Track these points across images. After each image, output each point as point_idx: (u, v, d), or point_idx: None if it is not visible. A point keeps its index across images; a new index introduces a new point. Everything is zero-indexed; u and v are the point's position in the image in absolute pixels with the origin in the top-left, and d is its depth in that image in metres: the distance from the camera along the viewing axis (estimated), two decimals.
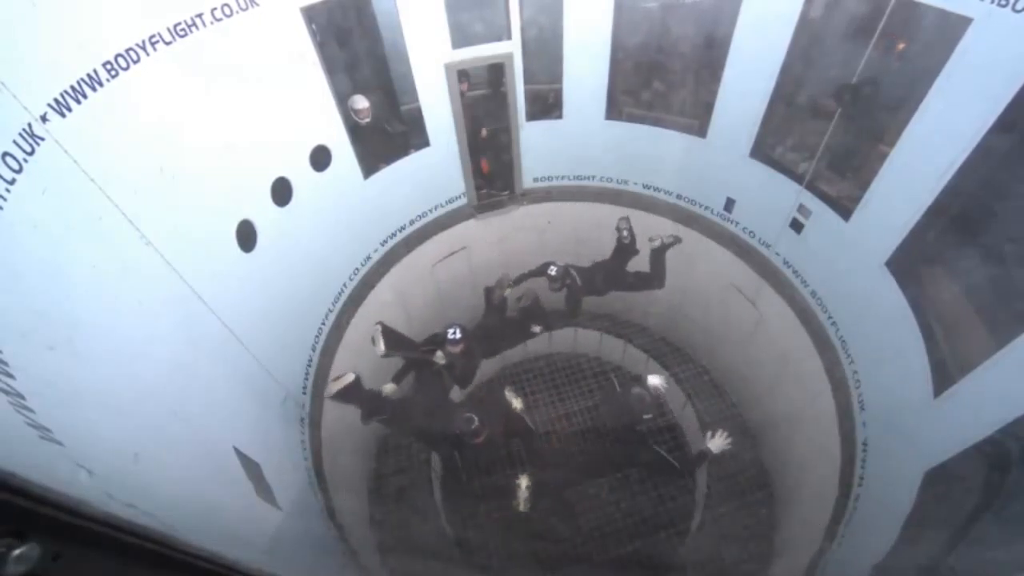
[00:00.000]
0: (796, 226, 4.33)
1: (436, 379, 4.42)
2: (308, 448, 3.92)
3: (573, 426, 5.99)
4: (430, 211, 5.34)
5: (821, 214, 4.05)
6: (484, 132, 5.26)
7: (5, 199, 1.74)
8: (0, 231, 1.71)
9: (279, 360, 3.66)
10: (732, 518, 5.14)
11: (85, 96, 2.15)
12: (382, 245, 5.03)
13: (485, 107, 5.21)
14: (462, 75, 4.61)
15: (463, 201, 5.51)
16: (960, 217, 3.22)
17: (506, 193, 5.63)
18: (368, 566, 3.85)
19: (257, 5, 3.12)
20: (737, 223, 4.97)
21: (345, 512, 4.04)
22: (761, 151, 4.38)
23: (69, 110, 2.07)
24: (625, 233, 5.04)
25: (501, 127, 5.17)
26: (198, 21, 2.76)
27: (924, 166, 3.13)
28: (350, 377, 3.92)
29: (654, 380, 4.02)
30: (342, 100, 4.11)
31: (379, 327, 4.11)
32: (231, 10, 2.96)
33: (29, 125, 1.89)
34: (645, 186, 5.47)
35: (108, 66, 2.26)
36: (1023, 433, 2.56)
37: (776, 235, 4.60)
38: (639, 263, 5.25)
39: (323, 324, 4.36)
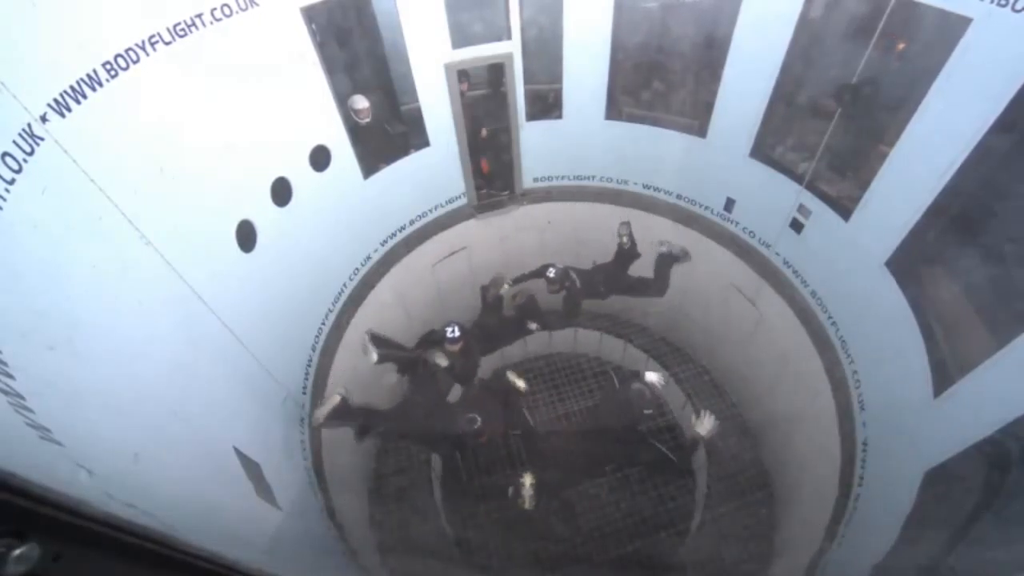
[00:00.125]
0: (796, 226, 4.33)
1: (431, 380, 4.40)
2: (308, 448, 3.92)
3: (573, 426, 5.99)
4: (430, 211, 5.34)
5: (821, 214, 4.05)
6: (484, 132, 5.26)
7: (5, 199, 1.74)
8: (0, 231, 1.71)
9: (279, 360, 3.66)
10: (732, 518, 5.14)
11: (85, 96, 2.15)
12: (382, 245, 5.03)
13: (485, 107, 5.21)
14: (462, 75, 4.61)
15: (463, 201, 5.51)
16: (960, 217, 3.22)
17: (506, 193, 5.63)
18: (368, 566, 3.85)
19: (257, 5, 3.12)
20: (737, 223, 4.97)
21: (345, 512, 4.04)
22: (761, 151, 4.38)
23: (69, 110, 2.07)
24: (625, 239, 5.04)
25: (501, 127, 5.17)
26: (198, 21, 2.76)
27: (924, 166, 3.13)
28: (336, 398, 3.74)
29: (652, 376, 4.02)
30: (342, 100, 4.11)
31: (367, 335, 4.07)
32: (231, 10, 2.96)
33: (29, 125, 1.89)
34: (645, 186, 5.47)
35: (108, 66, 2.27)
36: (1023, 433, 2.56)
37: (776, 235, 4.60)
38: (641, 267, 5.25)
39: (323, 324, 4.36)
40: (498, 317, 5.32)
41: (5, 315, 1.64)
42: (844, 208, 3.85)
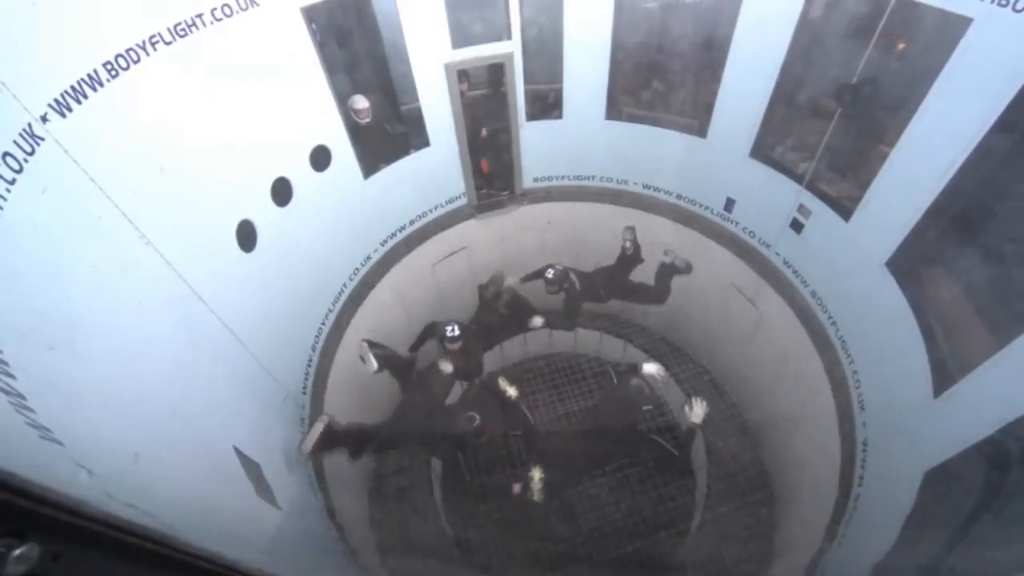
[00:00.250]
0: (796, 226, 4.33)
1: (424, 385, 4.39)
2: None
3: (573, 426, 5.99)
4: (430, 211, 5.34)
5: (821, 214, 4.05)
6: (484, 132, 5.26)
7: (5, 199, 1.74)
8: (0, 231, 1.71)
9: (279, 360, 3.66)
10: (732, 518, 5.14)
11: (85, 96, 2.15)
12: (382, 245, 5.03)
13: (485, 107, 5.21)
14: (462, 75, 4.61)
15: (463, 201, 5.51)
16: (960, 217, 3.22)
17: (506, 193, 5.63)
18: (368, 566, 3.85)
19: (257, 5, 3.12)
20: (737, 223, 4.97)
21: (345, 512, 4.04)
22: (761, 151, 4.38)
23: (69, 110, 2.07)
24: (628, 244, 5.04)
25: (501, 127, 5.17)
26: (198, 21, 2.76)
27: (924, 166, 3.13)
28: (320, 425, 3.63)
29: (650, 368, 4.01)
30: (342, 100, 4.11)
31: (365, 344, 4.05)
32: (231, 10, 2.96)
33: (29, 125, 1.89)
34: (645, 186, 5.47)
35: (108, 66, 2.27)
36: (1023, 433, 2.56)
37: (776, 235, 4.60)
38: (643, 273, 5.26)
39: (323, 324, 4.36)
40: (496, 315, 5.33)
41: (5, 315, 1.64)
42: (844, 208, 3.85)
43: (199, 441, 2.53)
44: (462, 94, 4.70)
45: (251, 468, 2.89)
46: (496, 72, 4.94)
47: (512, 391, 4.23)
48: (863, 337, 3.93)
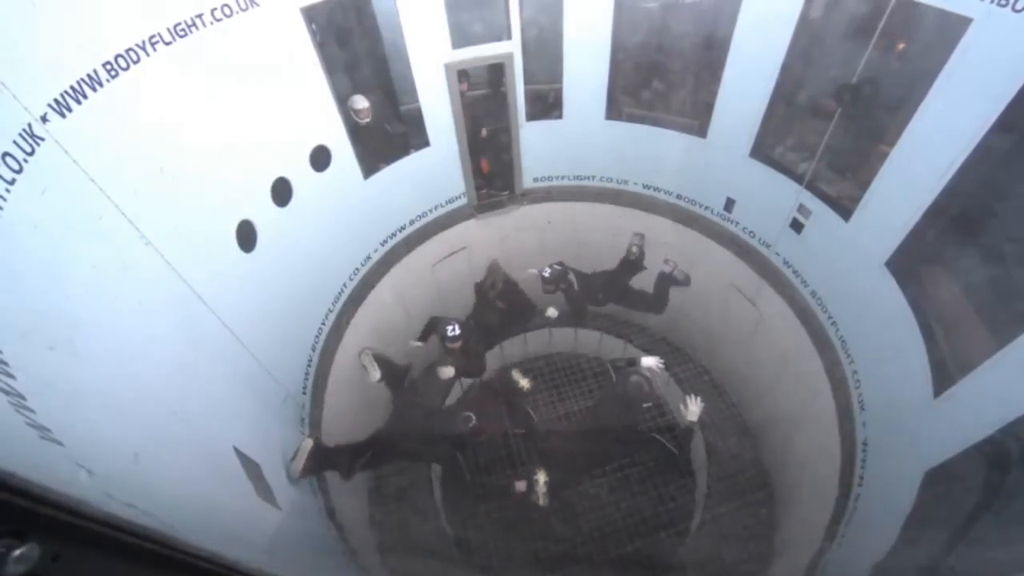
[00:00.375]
0: (796, 226, 4.33)
1: (416, 391, 4.38)
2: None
3: (573, 426, 5.99)
4: (430, 211, 5.34)
5: (821, 214, 4.05)
6: (484, 132, 5.26)
7: (5, 199, 1.74)
8: (0, 231, 1.71)
9: (279, 360, 3.65)
10: (732, 518, 5.13)
11: (85, 96, 2.15)
12: (382, 245, 5.03)
13: (485, 107, 5.21)
14: (462, 75, 4.61)
15: (463, 201, 5.51)
16: (960, 217, 3.22)
17: (506, 193, 5.63)
18: (368, 566, 3.85)
19: (257, 5, 3.12)
20: (737, 223, 4.97)
21: (345, 512, 4.04)
22: (761, 151, 4.38)
23: (69, 110, 2.07)
24: (636, 249, 5.04)
25: (501, 127, 5.17)
26: (198, 21, 2.76)
27: (924, 166, 3.13)
28: (308, 442, 3.55)
29: (649, 361, 4.01)
30: (342, 100, 4.11)
31: (368, 353, 4.02)
32: (231, 10, 2.96)
33: (29, 125, 1.89)
34: (645, 186, 5.47)
35: (108, 66, 2.27)
36: (1023, 433, 2.56)
37: (776, 235, 4.60)
38: (642, 279, 5.27)
39: (323, 324, 4.36)
40: (496, 313, 5.34)
41: (5, 315, 1.64)
42: (844, 208, 3.85)
43: (199, 441, 2.53)
44: (462, 94, 4.70)
45: (251, 468, 2.88)
46: (496, 72, 4.94)
47: (525, 383, 4.22)
48: (863, 337, 3.93)
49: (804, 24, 3.63)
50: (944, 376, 3.12)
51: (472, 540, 5.14)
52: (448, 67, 4.41)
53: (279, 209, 3.62)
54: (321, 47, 3.71)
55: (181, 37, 2.66)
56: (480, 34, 4.44)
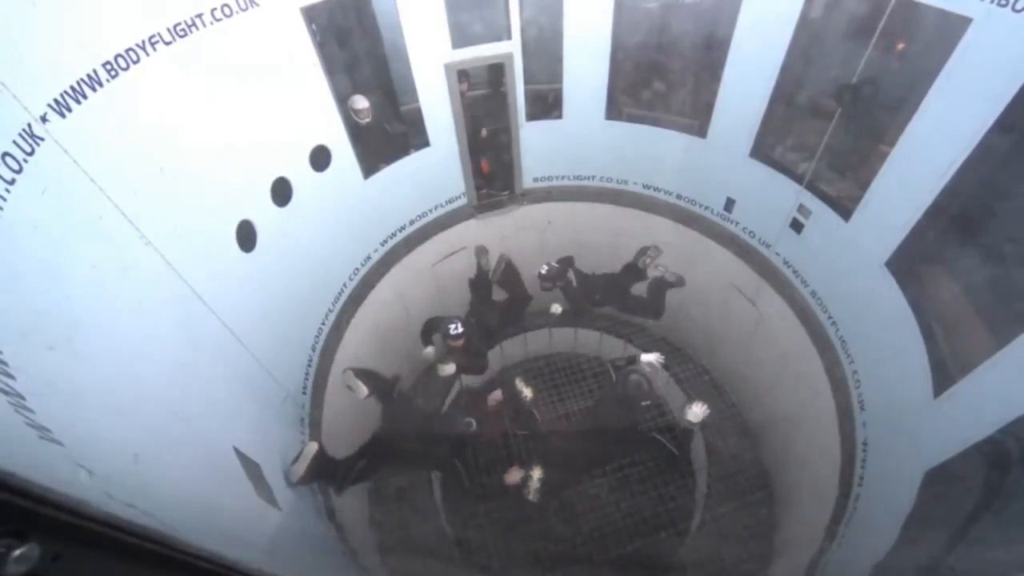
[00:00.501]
0: (796, 226, 4.33)
1: (406, 403, 4.36)
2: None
3: (574, 426, 5.99)
4: (430, 211, 5.34)
5: (821, 214, 4.05)
6: (484, 132, 5.26)
7: (5, 199, 1.74)
8: (0, 231, 1.71)
9: (279, 360, 3.65)
10: (732, 518, 5.13)
11: (85, 96, 2.15)
12: (382, 245, 5.03)
13: (485, 107, 5.21)
14: (462, 75, 4.61)
15: (463, 201, 5.51)
16: (960, 217, 3.22)
17: (506, 193, 5.63)
18: (368, 566, 3.85)
19: (257, 5, 3.12)
20: (737, 223, 4.97)
21: (345, 512, 4.04)
22: (761, 151, 4.38)
23: (69, 110, 2.07)
24: (647, 260, 5.06)
25: (501, 127, 5.17)
26: (198, 21, 2.76)
27: (924, 166, 3.13)
28: (313, 446, 3.49)
29: (648, 356, 4.02)
30: (342, 100, 4.11)
31: (350, 372, 4.00)
32: (231, 10, 2.96)
33: (29, 125, 1.89)
34: (645, 186, 5.47)
35: (108, 66, 2.26)
36: (1023, 433, 2.56)
37: (776, 235, 4.60)
38: (641, 286, 5.29)
39: (323, 324, 4.36)
40: (495, 310, 5.34)
41: (5, 315, 1.64)
42: (844, 208, 3.85)
43: (199, 441, 2.52)
44: (462, 94, 4.70)
45: (251, 468, 2.88)
46: (496, 72, 4.94)
47: (528, 392, 4.21)
48: (863, 337, 3.93)
49: (804, 24, 3.63)
50: (944, 376, 3.12)
51: (472, 540, 5.13)
52: (448, 67, 4.41)
53: (279, 209, 3.62)
54: (321, 47, 3.71)
55: (181, 37, 2.66)
56: (480, 34, 4.44)
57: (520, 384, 4.25)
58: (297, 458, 3.47)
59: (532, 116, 5.08)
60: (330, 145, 4.02)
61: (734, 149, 4.49)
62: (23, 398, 1.51)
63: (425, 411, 4.51)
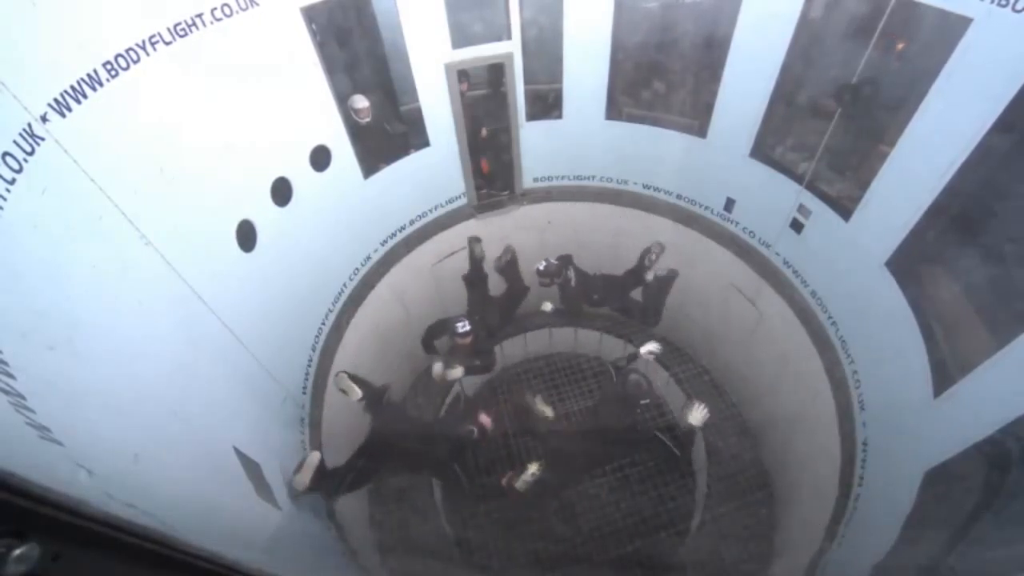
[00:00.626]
0: (796, 226, 4.33)
1: (396, 411, 4.34)
2: (308, 448, 3.92)
3: (574, 426, 5.99)
4: (430, 211, 5.34)
5: (821, 214, 4.05)
6: (484, 132, 5.26)
7: (5, 199, 1.74)
8: (0, 231, 1.71)
9: (279, 360, 3.65)
10: (732, 518, 5.13)
11: (85, 96, 2.15)
12: (382, 245, 5.03)
13: (485, 107, 5.21)
14: (462, 75, 4.61)
15: (463, 201, 5.51)
16: (960, 217, 3.22)
17: (506, 193, 5.63)
18: (368, 566, 3.85)
19: (257, 5, 3.12)
20: (737, 223, 4.97)
21: (345, 512, 4.04)
22: (761, 151, 4.38)
23: (69, 110, 2.07)
24: (654, 256, 5.08)
25: (501, 127, 5.17)
26: (198, 21, 2.76)
27: (924, 166, 3.13)
28: (316, 455, 3.48)
29: (648, 346, 4.08)
30: (342, 100, 4.11)
31: (344, 375, 4.01)
32: (231, 10, 2.96)
33: (29, 125, 1.89)
34: (645, 186, 5.47)
35: (108, 66, 2.26)
36: (1023, 433, 2.56)
37: (776, 235, 4.60)
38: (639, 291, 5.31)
39: (323, 324, 4.36)
40: (494, 308, 5.34)
41: (5, 315, 1.64)
42: (844, 208, 3.85)
43: (199, 441, 2.52)
44: (462, 94, 4.70)
45: (251, 468, 2.88)
46: (496, 72, 4.94)
47: (549, 412, 4.18)
48: (863, 337, 3.93)
49: (804, 24, 3.63)
50: (944, 376, 3.12)
51: (472, 540, 5.13)
52: (448, 67, 4.41)
53: (279, 209, 3.62)
54: (321, 47, 3.71)
55: (181, 37, 2.66)
56: (480, 34, 4.44)
57: (541, 404, 4.21)
58: (300, 468, 3.45)
59: (532, 116, 5.08)
60: (330, 145, 4.02)
61: (734, 149, 4.48)
62: (23, 398, 1.51)
63: (416, 419, 4.48)
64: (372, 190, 4.58)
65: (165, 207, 2.59)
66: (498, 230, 5.83)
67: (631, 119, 5.11)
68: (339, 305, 4.57)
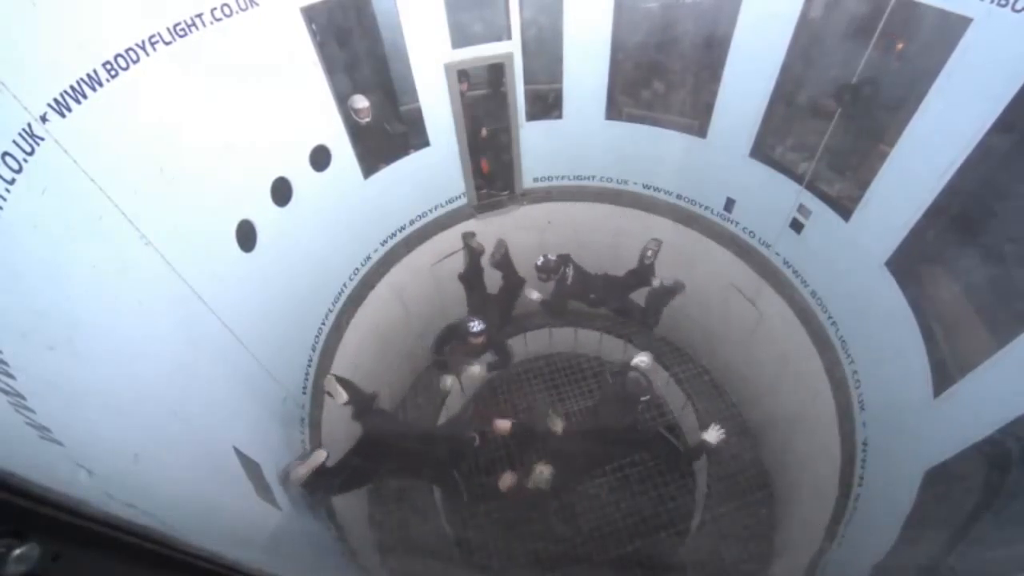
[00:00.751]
0: (796, 226, 4.33)
1: (388, 417, 4.34)
2: (308, 448, 3.92)
3: (574, 426, 5.99)
4: (430, 211, 5.34)
5: (821, 214, 4.05)
6: (484, 132, 5.26)
7: (5, 199, 1.74)
8: (0, 231, 1.71)
9: (279, 360, 3.65)
10: (732, 518, 5.13)
11: (85, 96, 2.15)
12: (382, 245, 5.03)
13: (485, 107, 5.21)
14: (462, 75, 4.61)
15: (463, 201, 5.51)
16: (960, 217, 3.22)
17: (506, 193, 5.63)
18: (368, 566, 3.85)
19: (257, 5, 3.12)
20: (737, 223, 4.97)
21: (345, 512, 4.04)
22: (761, 151, 4.38)
23: (69, 110, 2.07)
24: (651, 254, 5.08)
25: (501, 127, 5.17)
26: (198, 21, 2.76)
27: (924, 166, 3.13)
28: (323, 453, 3.43)
29: (640, 358, 4.09)
30: (342, 100, 4.11)
31: (332, 378, 3.97)
32: (231, 10, 2.96)
33: (29, 125, 1.89)
34: (645, 186, 5.47)
35: (108, 66, 2.26)
36: (1023, 433, 2.56)
37: (776, 235, 4.60)
38: (641, 292, 5.31)
39: (323, 324, 4.36)
40: (494, 307, 5.35)
41: (5, 315, 1.64)
42: (844, 208, 3.85)
43: (199, 441, 2.52)
44: (462, 94, 4.70)
45: (251, 468, 2.88)
46: (496, 72, 4.94)
47: (559, 426, 4.17)
48: (863, 337, 3.93)
49: (804, 24, 3.63)
50: (944, 376, 3.12)
51: (472, 540, 5.14)
52: (448, 67, 4.41)
53: (279, 209, 3.62)
54: (321, 47, 3.71)
55: (181, 37, 2.66)
56: (480, 34, 4.44)
57: (553, 418, 4.19)
58: (303, 459, 3.43)
59: (532, 116, 5.08)
60: (330, 145, 4.02)
61: (734, 149, 4.48)
62: (23, 398, 1.51)
63: (409, 424, 4.47)
64: (372, 190, 4.58)
65: (165, 207, 2.59)
66: (498, 230, 5.83)
67: (631, 119, 5.11)
68: (339, 305, 4.57)
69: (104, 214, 2.22)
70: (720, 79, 4.23)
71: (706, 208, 5.17)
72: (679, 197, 5.33)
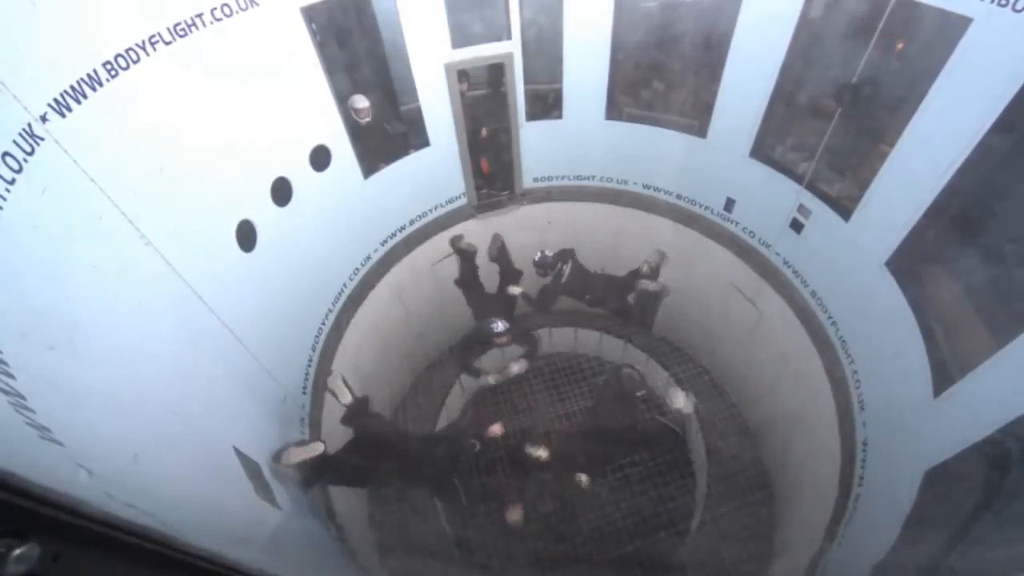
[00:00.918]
0: (796, 226, 4.33)
1: (383, 421, 4.33)
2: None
3: (573, 426, 5.99)
4: (430, 211, 5.34)
5: (821, 214, 4.05)
6: (484, 132, 5.26)
7: (5, 199, 1.74)
8: (0, 231, 1.71)
9: (279, 360, 3.65)
10: (732, 518, 5.13)
11: (85, 96, 2.15)
12: (382, 245, 5.03)
13: (485, 107, 5.21)
14: (462, 75, 4.61)
15: (463, 201, 5.51)
16: (960, 217, 3.22)
17: (506, 193, 5.63)
18: (368, 566, 3.85)
19: (257, 5, 3.12)
20: (737, 223, 4.97)
21: (345, 512, 4.04)
22: (761, 151, 4.38)
23: (69, 110, 2.07)
24: (647, 268, 5.09)
25: (501, 127, 5.17)
26: (198, 21, 2.76)
27: (924, 166, 3.13)
28: (319, 448, 3.41)
29: (678, 399, 4.08)
30: (342, 100, 4.11)
31: (340, 377, 3.98)
32: (231, 10, 2.96)
33: (29, 125, 1.89)
34: (645, 186, 5.47)
35: (108, 66, 2.26)
36: (1023, 433, 2.56)
37: (776, 235, 4.60)
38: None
39: (323, 324, 4.36)
40: (494, 306, 5.36)
41: (5, 315, 1.64)
42: (844, 208, 3.85)
43: (199, 441, 2.53)
44: (462, 94, 4.70)
45: (251, 468, 2.89)
46: (496, 72, 4.94)
47: (543, 453, 4.11)
48: (863, 337, 3.93)
49: (804, 24, 3.63)
50: (944, 376, 3.12)
51: (472, 540, 5.13)
52: (448, 67, 4.41)
53: (279, 209, 3.62)
54: (321, 47, 3.71)
55: (181, 37, 2.66)
56: (480, 34, 4.44)
57: (532, 449, 4.11)
58: (300, 445, 3.42)
59: (532, 116, 5.08)
60: (330, 145, 4.02)
61: (734, 149, 4.48)
62: (23, 398, 1.51)
63: (401, 430, 4.47)
64: (372, 190, 4.58)
65: (165, 207, 2.59)
66: (498, 230, 5.83)
67: (631, 119, 5.11)
68: (339, 305, 4.57)
69: (104, 214, 2.22)
70: (720, 79, 4.23)
71: (706, 208, 5.17)
72: (679, 197, 5.33)
